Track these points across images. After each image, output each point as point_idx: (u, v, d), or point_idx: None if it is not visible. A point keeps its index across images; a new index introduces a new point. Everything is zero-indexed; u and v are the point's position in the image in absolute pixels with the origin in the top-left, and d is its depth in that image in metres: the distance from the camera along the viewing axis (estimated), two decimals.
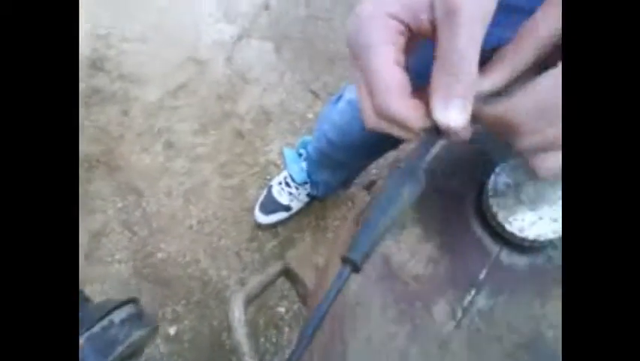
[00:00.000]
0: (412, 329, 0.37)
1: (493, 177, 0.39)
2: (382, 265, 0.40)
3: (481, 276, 0.38)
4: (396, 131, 0.32)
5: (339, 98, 1.06)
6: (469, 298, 0.38)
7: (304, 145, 1.43)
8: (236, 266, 1.42)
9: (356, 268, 0.29)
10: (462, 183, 0.42)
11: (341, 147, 1.07)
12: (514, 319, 0.37)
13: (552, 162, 0.30)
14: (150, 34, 1.87)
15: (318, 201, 1.52)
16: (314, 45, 1.85)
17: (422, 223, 0.41)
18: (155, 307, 1.34)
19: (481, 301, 0.37)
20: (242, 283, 1.39)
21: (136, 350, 0.40)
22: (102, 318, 0.40)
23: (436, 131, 0.30)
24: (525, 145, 0.29)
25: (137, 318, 0.49)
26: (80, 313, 0.37)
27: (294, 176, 1.43)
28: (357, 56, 0.31)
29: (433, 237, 0.40)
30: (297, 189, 1.46)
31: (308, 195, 1.48)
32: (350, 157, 1.12)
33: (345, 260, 0.29)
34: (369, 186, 1.40)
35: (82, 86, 1.73)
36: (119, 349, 0.38)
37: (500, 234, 0.38)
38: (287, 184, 1.47)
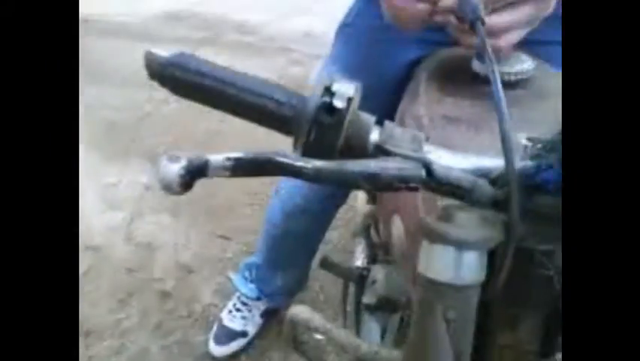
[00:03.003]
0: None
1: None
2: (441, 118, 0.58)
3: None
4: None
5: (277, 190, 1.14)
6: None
7: (248, 267, 1.40)
8: None
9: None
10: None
11: (306, 209, 1.09)
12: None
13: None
14: None
15: (275, 319, 1.45)
16: (205, 201, 1.91)
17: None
18: None
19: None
20: None
21: None
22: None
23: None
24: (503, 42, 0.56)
25: None
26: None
27: (247, 293, 1.39)
28: None
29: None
30: (249, 311, 1.41)
31: (262, 315, 1.42)
32: (316, 213, 1.13)
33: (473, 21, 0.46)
34: (323, 264, 1.42)
35: None
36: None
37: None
38: (237, 309, 1.41)
